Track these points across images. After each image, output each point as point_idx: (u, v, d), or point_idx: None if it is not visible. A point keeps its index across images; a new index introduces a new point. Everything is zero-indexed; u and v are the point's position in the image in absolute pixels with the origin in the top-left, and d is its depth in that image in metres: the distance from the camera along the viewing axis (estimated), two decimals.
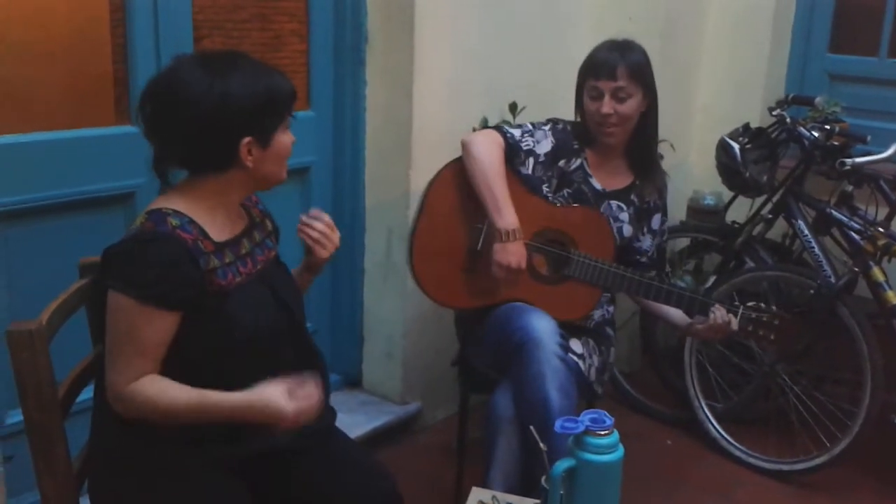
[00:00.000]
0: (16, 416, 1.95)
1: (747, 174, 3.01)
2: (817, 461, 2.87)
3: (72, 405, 1.60)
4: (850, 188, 2.96)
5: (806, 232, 3.00)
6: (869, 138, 2.97)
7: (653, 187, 2.42)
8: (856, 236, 2.90)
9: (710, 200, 3.49)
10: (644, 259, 2.44)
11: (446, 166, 2.35)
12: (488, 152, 2.26)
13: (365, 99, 2.88)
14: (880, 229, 2.86)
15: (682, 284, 3.30)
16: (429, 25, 2.75)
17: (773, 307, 2.32)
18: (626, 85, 2.25)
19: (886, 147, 2.88)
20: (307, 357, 1.73)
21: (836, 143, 2.94)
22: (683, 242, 3.49)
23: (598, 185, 2.38)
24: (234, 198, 1.66)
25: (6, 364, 1.47)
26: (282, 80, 1.63)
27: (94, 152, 2.31)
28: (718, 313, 2.21)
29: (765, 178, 3.04)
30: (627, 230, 2.40)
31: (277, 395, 1.51)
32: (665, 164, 3.32)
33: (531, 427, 1.90)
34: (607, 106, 2.26)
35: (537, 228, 2.30)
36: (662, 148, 3.25)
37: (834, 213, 2.97)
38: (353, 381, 3.11)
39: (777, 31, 3.57)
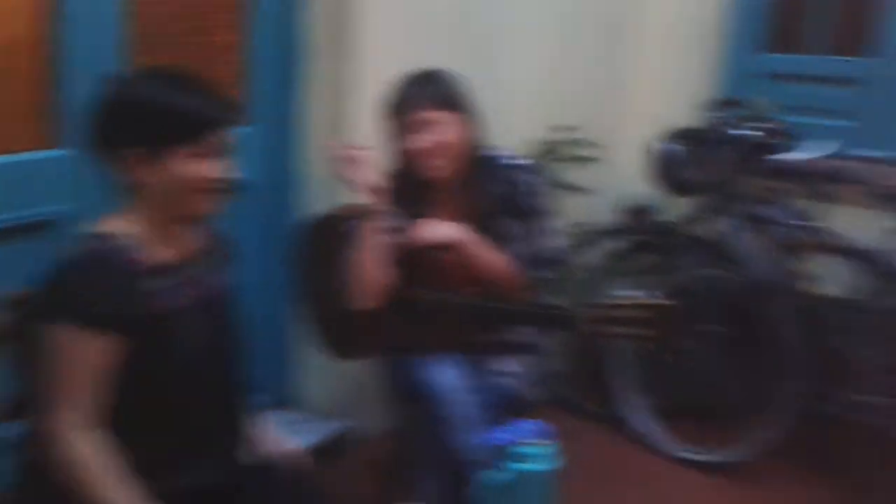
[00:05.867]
0: None
1: (680, 175, 3.04)
2: (738, 452, 2.96)
3: None
4: (778, 186, 3.02)
5: (738, 230, 3.04)
6: (800, 136, 3.00)
7: (487, 202, 2.23)
8: (784, 232, 2.96)
9: (643, 201, 3.46)
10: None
11: None
12: None
13: (307, 114, 2.82)
14: (807, 225, 2.94)
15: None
16: (374, 42, 2.70)
17: (634, 294, 1.99)
18: (437, 115, 2.13)
19: (819, 144, 2.96)
20: (234, 391, 1.70)
21: (767, 141, 2.98)
22: (617, 244, 3.45)
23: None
24: (167, 219, 1.58)
25: None
26: (201, 102, 1.55)
27: (12, 178, 2.20)
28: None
29: (698, 178, 3.07)
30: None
31: None
32: (598, 165, 3.31)
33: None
34: (425, 140, 2.12)
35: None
36: (595, 150, 3.23)
37: (764, 210, 3.02)
38: (283, 400, 3.03)
39: (709, 32, 3.61)
